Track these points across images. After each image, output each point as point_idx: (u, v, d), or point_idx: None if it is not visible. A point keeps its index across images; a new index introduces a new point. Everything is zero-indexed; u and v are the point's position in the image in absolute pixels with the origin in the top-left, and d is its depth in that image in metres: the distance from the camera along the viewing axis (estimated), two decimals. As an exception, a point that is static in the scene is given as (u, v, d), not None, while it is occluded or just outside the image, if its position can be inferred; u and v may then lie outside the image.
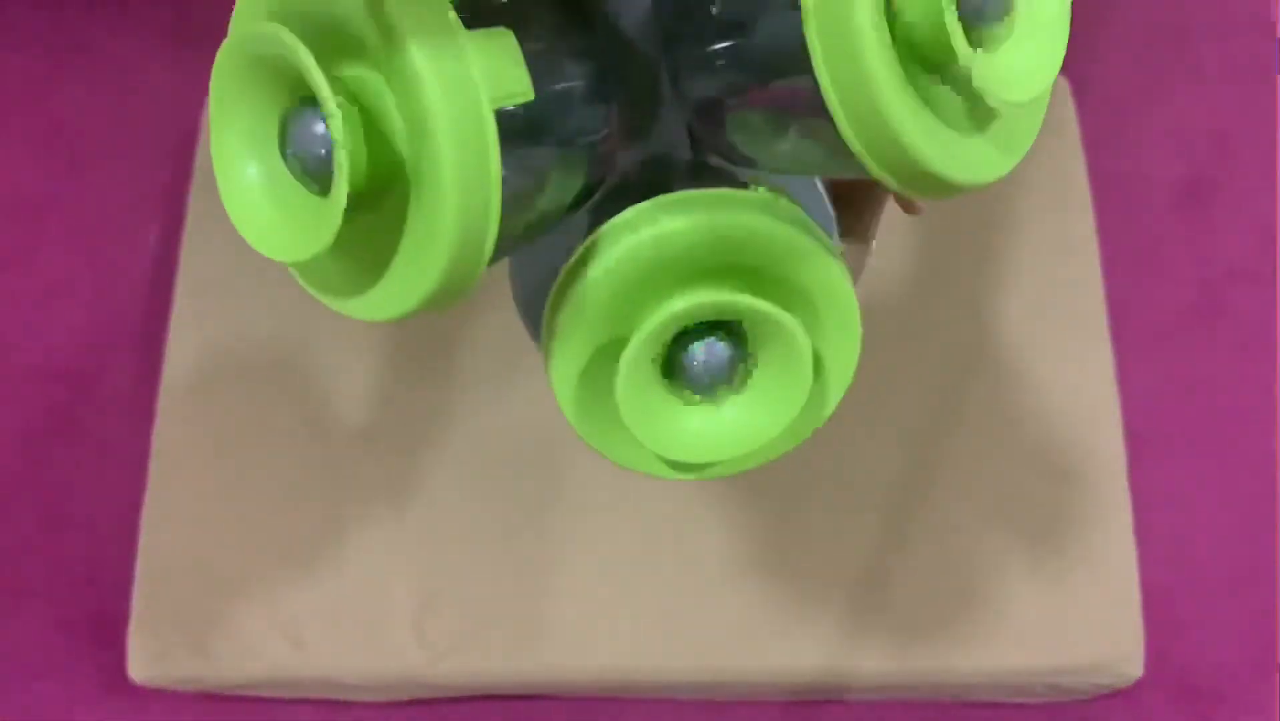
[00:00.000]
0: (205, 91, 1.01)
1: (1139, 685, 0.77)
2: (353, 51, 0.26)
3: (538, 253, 0.34)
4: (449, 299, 0.28)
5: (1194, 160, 0.97)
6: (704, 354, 0.29)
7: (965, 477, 0.77)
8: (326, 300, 0.31)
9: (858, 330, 0.31)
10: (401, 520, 0.78)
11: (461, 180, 0.25)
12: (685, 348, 0.30)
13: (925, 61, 0.26)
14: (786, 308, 0.29)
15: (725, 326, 0.30)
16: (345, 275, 0.29)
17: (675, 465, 0.32)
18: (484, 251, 0.27)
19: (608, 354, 0.30)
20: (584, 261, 0.30)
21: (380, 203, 0.27)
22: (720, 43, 0.30)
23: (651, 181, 0.32)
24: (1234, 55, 1.02)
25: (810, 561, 0.76)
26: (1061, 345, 0.81)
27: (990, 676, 0.75)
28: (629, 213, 0.30)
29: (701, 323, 0.29)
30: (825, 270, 0.30)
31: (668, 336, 0.30)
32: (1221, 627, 0.85)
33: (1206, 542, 0.87)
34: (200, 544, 0.78)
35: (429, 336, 0.82)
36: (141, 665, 0.77)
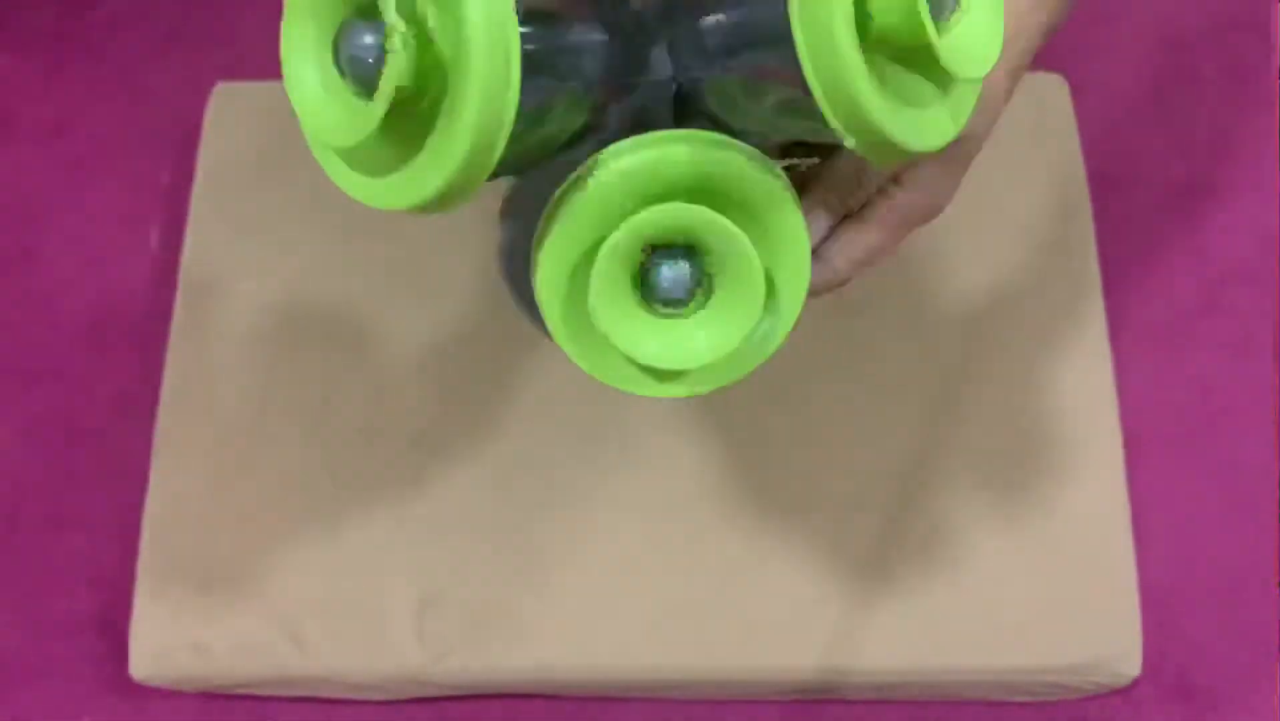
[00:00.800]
0: (206, 91, 1.02)
1: (1138, 684, 0.77)
2: None
3: (526, 240, 0.37)
4: (458, 194, 0.32)
5: (1193, 160, 0.97)
6: (670, 270, 0.34)
7: (964, 477, 0.78)
8: (357, 191, 0.35)
9: (807, 261, 0.35)
10: (402, 519, 0.78)
11: (486, 87, 0.30)
12: (656, 266, 0.34)
13: (894, 52, 0.32)
14: (745, 233, 0.34)
15: (692, 250, 0.34)
16: (375, 167, 0.34)
17: (646, 376, 0.36)
18: (494, 154, 0.31)
19: (589, 267, 0.34)
20: (576, 183, 0.35)
21: (410, 109, 0.32)
22: (713, 18, 0.36)
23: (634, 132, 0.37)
24: (1233, 55, 1.02)
25: (810, 560, 0.76)
26: (1061, 345, 0.81)
27: (989, 675, 0.76)
28: (623, 143, 0.34)
29: (673, 246, 0.34)
30: (783, 208, 0.34)
31: (639, 253, 0.34)
32: (1220, 626, 0.85)
33: (1205, 542, 0.87)
34: (201, 543, 0.78)
35: (428, 336, 0.82)
36: (143, 664, 0.77)
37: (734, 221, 0.34)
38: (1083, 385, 0.80)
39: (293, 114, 0.88)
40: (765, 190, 0.35)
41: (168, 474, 0.80)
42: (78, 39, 1.08)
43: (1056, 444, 0.79)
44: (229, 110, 0.91)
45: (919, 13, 0.30)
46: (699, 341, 0.35)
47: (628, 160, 0.34)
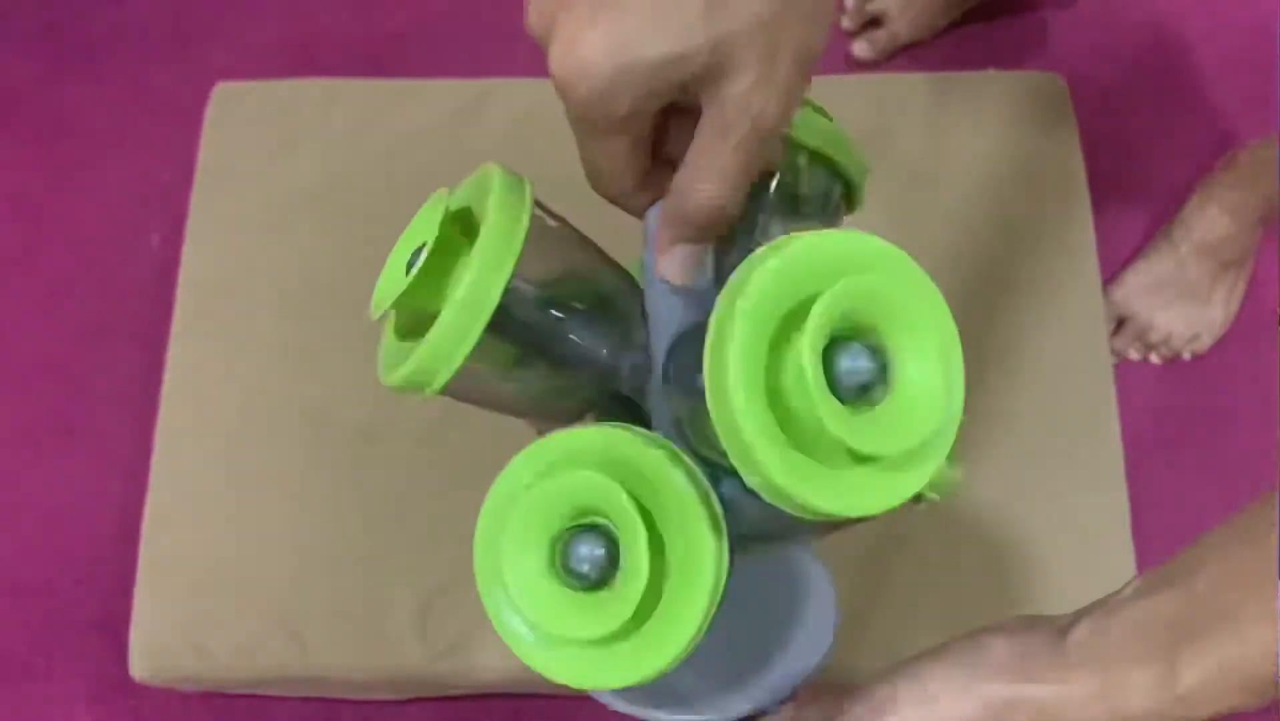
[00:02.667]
0: (206, 91, 1.01)
1: (1138, 684, 0.77)
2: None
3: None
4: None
5: (1194, 160, 0.97)
6: (586, 549, 0.35)
7: (964, 477, 0.78)
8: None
9: (705, 599, 0.35)
10: (402, 519, 0.78)
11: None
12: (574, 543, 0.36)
13: (802, 427, 0.33)
14: (658, 550, 0.35)
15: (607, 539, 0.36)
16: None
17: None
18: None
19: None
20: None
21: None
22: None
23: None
24: (1233, 56, 1.02)
25: (810, 561, 0.76)
26: (1061, 345, 0.81)
27: (989, 675, 0.76)
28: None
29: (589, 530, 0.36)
30: (697, 532, 0.35)
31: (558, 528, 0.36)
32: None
33: (1206, 542, 0.87)
34: (201, 543, 0.78)
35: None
36: (143, 664, 0.77)
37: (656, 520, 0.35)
38: (1082, 385, 0.80)
39: (293, 114, 0.87)
40: (677, 495, 0.35)
41: (168, 474, 0.80)
42: (78, 39, 1.08)
43: (1056, 444, 0.79)
44: (229, 110, 0.91)
45: (816, 404, 0.31)
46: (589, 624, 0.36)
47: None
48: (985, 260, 0.83)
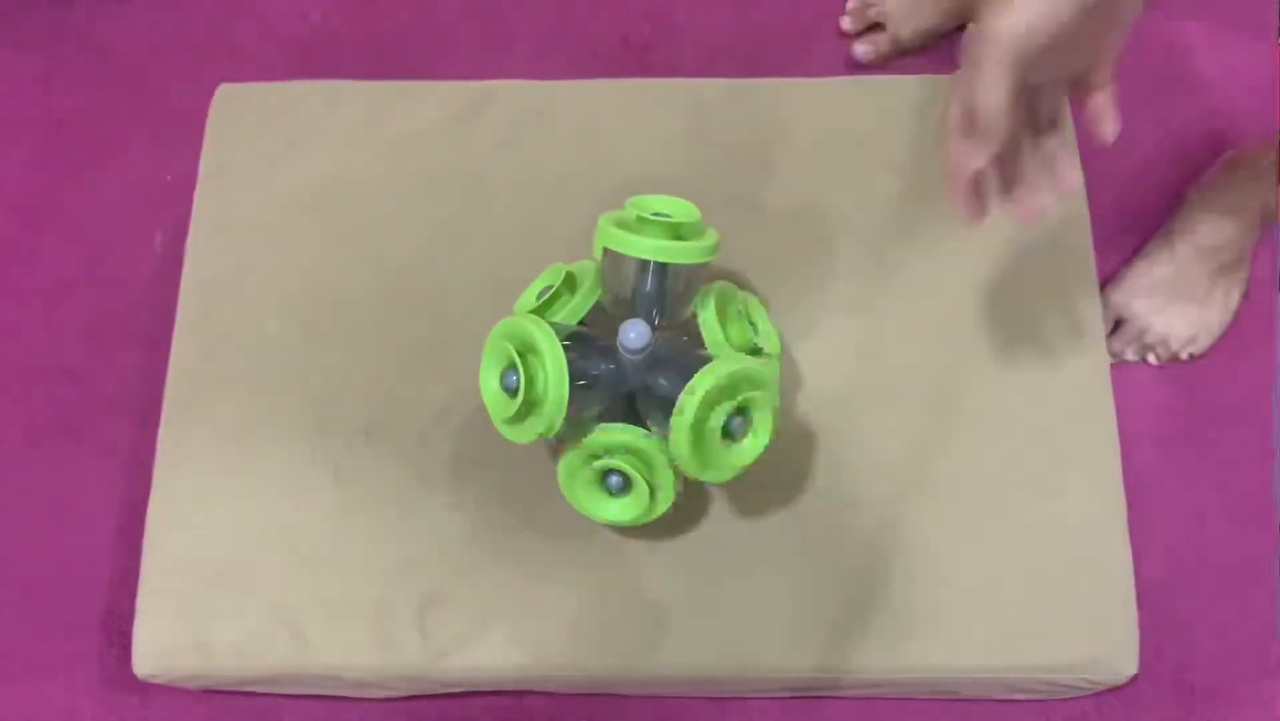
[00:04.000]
0: (210, 93, 1.02)
1: (1137, 682, 0.77)
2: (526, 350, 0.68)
3: None
4: (545, 436, 0.68)
5: (1192, 161, 0.97)
6: (616, 479, 0.72)
7: (962, 476, 0.78)
8: (504, 432, 0.70)
9: (670, 488, 0.71)
10: (404, 517, 0.78)
11: (556, 404, 0.67)
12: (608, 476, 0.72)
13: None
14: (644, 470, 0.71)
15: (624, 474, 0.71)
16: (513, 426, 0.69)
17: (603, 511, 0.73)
18: (556, 427, 0.68)
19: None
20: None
21: (526, 404, 0.68)
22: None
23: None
24: (1232, 56, 1.02)
25: (810, 559, 0.76)
26: (1058, 346, 0.81)
27: (987, 673, 0.76)
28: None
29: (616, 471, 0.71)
30: (663, 465, 0.71)
31: (600, 471, 0.72)
32: (1217, 624, 0.85)
33: (1202, 540, 0.88)
34: (204, 541, 0.78)
35: (430, 337, 0.82)
36: (146, 662, 0.77)
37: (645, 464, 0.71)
38: (1080, 384, 0.80)
39: (295, 115, 0.88)
40: (657, 456, 0.70)
41: (171, 473, 0.80)
42: (82, 40, 1.08)
43: (1053, 443, 0.79)
44: (232, 111, 0.91)
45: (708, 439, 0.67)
46: (622, 510, 0.73)
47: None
48: (982, 261, 0.84)
